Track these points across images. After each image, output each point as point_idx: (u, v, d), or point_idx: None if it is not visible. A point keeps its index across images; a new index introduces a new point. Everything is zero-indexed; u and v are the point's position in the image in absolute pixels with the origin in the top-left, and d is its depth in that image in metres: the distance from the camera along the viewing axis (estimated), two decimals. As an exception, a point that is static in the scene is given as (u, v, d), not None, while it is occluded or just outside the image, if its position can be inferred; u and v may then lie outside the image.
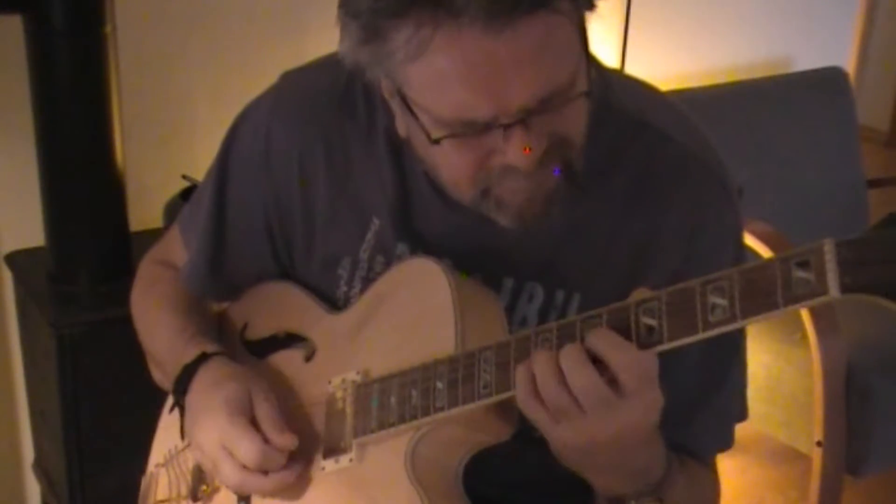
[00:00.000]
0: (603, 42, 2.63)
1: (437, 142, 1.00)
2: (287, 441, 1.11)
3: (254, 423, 1.12)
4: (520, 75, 0.95)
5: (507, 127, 0.98)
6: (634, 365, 0.93)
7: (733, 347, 1.18)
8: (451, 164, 1.04)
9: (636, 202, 1.13)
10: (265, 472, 1.11)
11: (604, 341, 0.94)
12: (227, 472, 1.11)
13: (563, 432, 0.97)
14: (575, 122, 1.03)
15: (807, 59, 3.09)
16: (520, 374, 0.97)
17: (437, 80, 0.96)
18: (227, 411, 1.12)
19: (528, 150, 0.98)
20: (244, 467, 1.11)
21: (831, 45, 3.21)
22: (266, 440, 1.11)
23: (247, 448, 1.10)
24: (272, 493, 1.13)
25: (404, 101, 1.02)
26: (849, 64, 3.27)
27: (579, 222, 1.13)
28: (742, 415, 1.23)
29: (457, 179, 1.06)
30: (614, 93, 1.15)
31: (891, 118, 3.49)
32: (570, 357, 0.94)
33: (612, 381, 0.94)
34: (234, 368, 1.19)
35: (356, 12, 0.98)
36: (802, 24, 3.15)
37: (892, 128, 3.47)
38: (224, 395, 1.13)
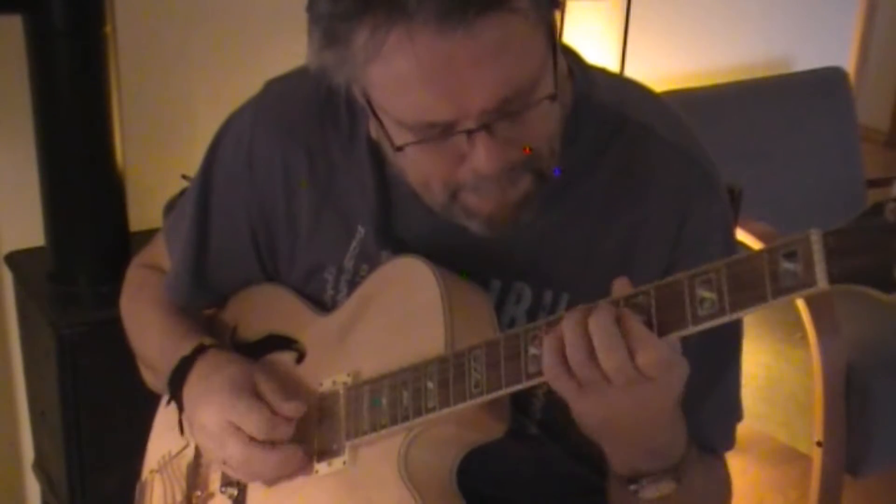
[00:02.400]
0: (603, 42, 2.62)
1: (399, 149, 1.01)
2: (294, 407, 1.11)
3: (258, 398, 1.12)
4: (477, 76, 0.94)
5: (470, 132, 0.97)
6: (655, 354, 0.92)
7: (733, 341, 1.18)
8: (417, 169, 1.05)
9: (620, 197, 1.13)
10: (272, 447, 1.11)
11: (631, 333, 0.92)
12: (234, 448, 1.11)
13: (588, 404, 0.96)
14: (542, 127, 1.02)
15: (807, 59, 3.09)
16: (548, 343, 0.95)
17: (395, 81, 0.96)
18: (231, 389, 1.12)
19: (493, 156, 0.98)
20: (251, 440, 1.11)
21: (831, 45, 3.21)
22: (273, 411, 1.11)
23: (255, 418, 1.10)
24: (277, 470, 1.12)
25: (370, 104, 1.02)
26: (849, 64, 3.27)
27: (564, 220, 1.13)
28: (740, 415, 1.23)
29: (424, 184, 1.06)
30: (596, 89, 1.15)
31: (891, 118, 3.48)
32: (601, 331, 0.92)
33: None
34: (232, 355, 1.19)
35: (317, 17, 0.98)
36: (802, 24, 3.15)
37: (892, 128, 3.47)
38: (226, 375, 1.14)
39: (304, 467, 1.13)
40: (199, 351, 1.20)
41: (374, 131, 1.11)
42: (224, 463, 1.15)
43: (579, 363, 0.94)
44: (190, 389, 1.18)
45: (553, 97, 1.00)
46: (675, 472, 1.04)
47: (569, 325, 0.94)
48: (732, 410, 1.22)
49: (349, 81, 1.03)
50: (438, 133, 0.98)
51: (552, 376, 0.96)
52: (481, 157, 0.98)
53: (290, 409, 1.11)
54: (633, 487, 1.04)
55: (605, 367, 0.92)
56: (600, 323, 0.93)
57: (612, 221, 1.13)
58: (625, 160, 1.13)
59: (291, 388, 1.19)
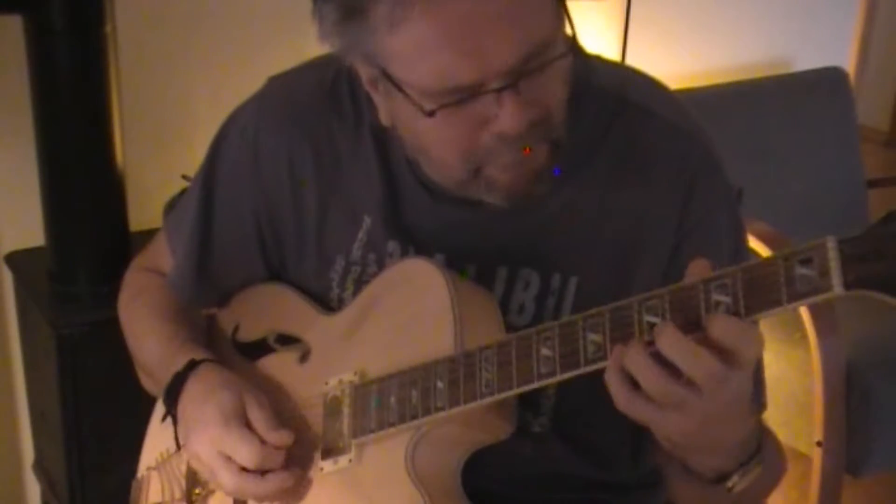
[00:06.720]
0: (603, 42, 2.62)
1: (431, 114, 1.00)
2: (282, 437, 1.12)
3: (248, 428, 1.12)
4: (500, 34, 0.96)
5: (499, 91, 0.98)
6: (753, 339, 0.91)
7: None
8: (442, 141, 1.04)
9: (623, 179, 1.14)
10: (263, 474, 1.11)
11: (731, 332, 0.90)
12: (226, 478, 1.12)
13: (675, 421, 0.94)
14: (558, 88, 1.04)
15: (807, 59, 3.09)
16: (612, 379, 0.93)
17: (419, 48, 0.97)
18: (222, 418, 1.12)
19: (520, 114, 0.99)
20: (242, 471, 1.11)
21: (831, 45, 3.21)
22: (263, 441, 1.11)
23: (245, 450, 1.10)
24: (271, 497, 1.13)
25: (390, 79, 1.02)
26: (849, 64, 3.27)
27: (568, 204, 1.14)
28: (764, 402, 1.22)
29: (448, 158, 1.06)
30: (595, 74, 1.16)
31: (891, 118, 3.49)
32: (681, 349, 0.90)
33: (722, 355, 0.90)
34: (224, 376, 1.18)
35: None
36: (802, 24, 3.15)
37: (892, 128, 3.48)
38: (216, 402, 1.13)
39: (301, 485, 1.13)
40: (191, 367, 1.19)
41: (385, 117, 1.10)
42: (218, 487, 1.16)
43: (659, 386, 0.91)
44: (183, 410, 1.18)
45: (571, 53, 1.02)
46: (760, 454, 1.04)
47: (633, 358, 0.91)
48: (759, 376, 1.19)
49: (364, 59, 1.03)
50: (465, 97, 0.99)
51: (629, 408, 0.94)
52: (509, 114, 0.99)
53: (279, 438, 1.12)
54: (728, 485, 1.03)
55: (694, 376, 0.90)
56: (670, 342, 0.90)
57: (617, 202, 1.13)
58: (626, 142, 1.14)
59: (290, 394, 1.19)
